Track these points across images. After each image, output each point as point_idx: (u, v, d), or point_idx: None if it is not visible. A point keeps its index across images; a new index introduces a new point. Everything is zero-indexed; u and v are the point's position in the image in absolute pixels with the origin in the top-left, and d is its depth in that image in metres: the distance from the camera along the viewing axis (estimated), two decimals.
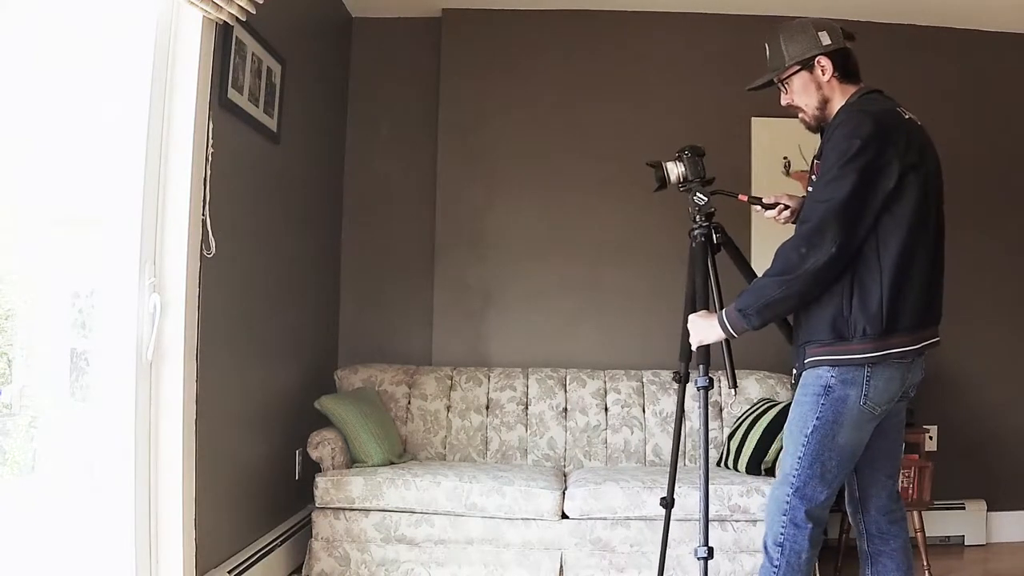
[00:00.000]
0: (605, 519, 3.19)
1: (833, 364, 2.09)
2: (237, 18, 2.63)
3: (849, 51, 2.25)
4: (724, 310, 2.19)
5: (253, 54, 2.98)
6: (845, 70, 2.22)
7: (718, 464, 3.63)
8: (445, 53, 4.22)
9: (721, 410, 3.78)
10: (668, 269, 3.86)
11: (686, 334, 2.34)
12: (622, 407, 3.78)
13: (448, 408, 3.80)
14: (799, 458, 2.13)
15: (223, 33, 2.72)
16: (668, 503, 2.52)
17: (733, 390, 2.35)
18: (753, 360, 3.68)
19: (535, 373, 3.89)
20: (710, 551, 2.23)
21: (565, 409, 3.79)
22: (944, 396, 4.09)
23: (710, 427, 3.73)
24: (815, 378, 2.13)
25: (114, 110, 2.45)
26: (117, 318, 2.44)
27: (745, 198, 2.44)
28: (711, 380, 2.30)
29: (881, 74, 4.14)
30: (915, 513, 3.56)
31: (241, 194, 2.98)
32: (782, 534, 2.15)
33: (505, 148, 4.17)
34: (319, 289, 4.02)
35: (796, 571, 2.13)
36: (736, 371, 3.84)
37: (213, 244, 2.66)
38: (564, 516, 3.22)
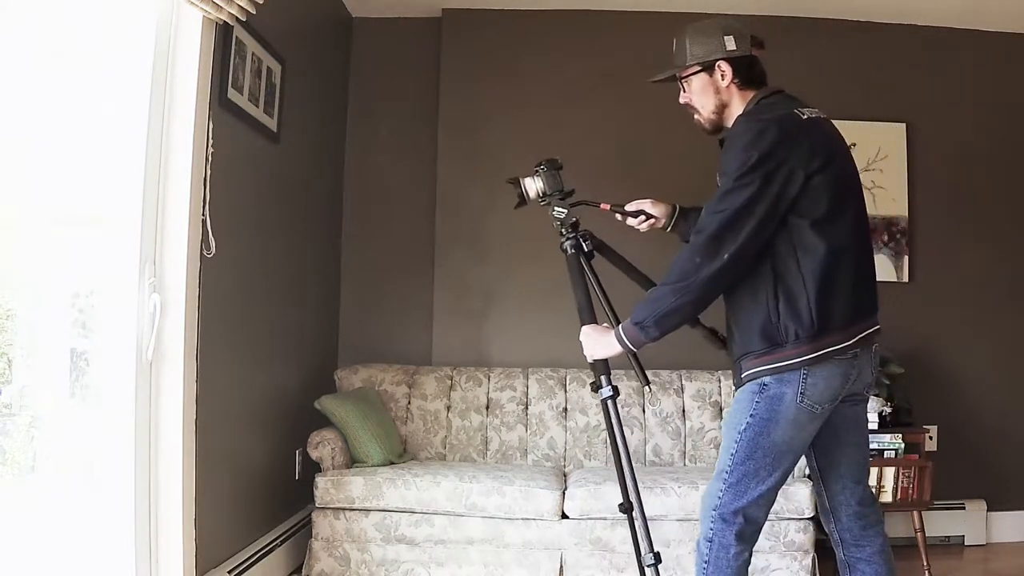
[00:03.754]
0: (605, 519, 3.19)
1: (771, 372, 2.06)
2: (237, 18, 2.63)
3: (755, 59, 2.21)
4: (620, 325, 2.16)
5: (253, 54, 2.97)
6: (747, 77, 2.19)
7: None
8: (445, 53, 4.22)
9: (721, 410, 3.78)
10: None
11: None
12: (622, 407, 3.77)
13: (448, 408, 3.80)
14: (732, 454, 2.11)
15: (223, 33, 2.72)
16: (626, 508, 2.33)
17: (648, 388, 2.33)
18: None
19: (535, 373, 3.88)
20: (657, 556, 2.18)
21: (565, 409, 3.79)
22: (944, 396, 4.09)
23: (710, 427, 3.74)
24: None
25: (114, 110, 2.45)
26: (117, 318, 2.44)
27: (607, 207, 2.44)
28: (616, 389, 2.25)
29: (884, 74, 4.16)
30: (915, 513, 3.56)
31: (241, 194, 2.98)
32: (711, 529, 2.13)
33: (505, 148, 4.16)
34: (319, 289, 4.02)
35: (725, 568, 2.10)
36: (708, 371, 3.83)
37: (213, 244, 2.66)
38: (564, 516, 3.22)
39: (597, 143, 4.15)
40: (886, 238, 4.15)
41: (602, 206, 2.43)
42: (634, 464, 3.66)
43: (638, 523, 2.20)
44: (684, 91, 2.27)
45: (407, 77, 4.30)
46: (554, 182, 2.39)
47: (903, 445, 3.56)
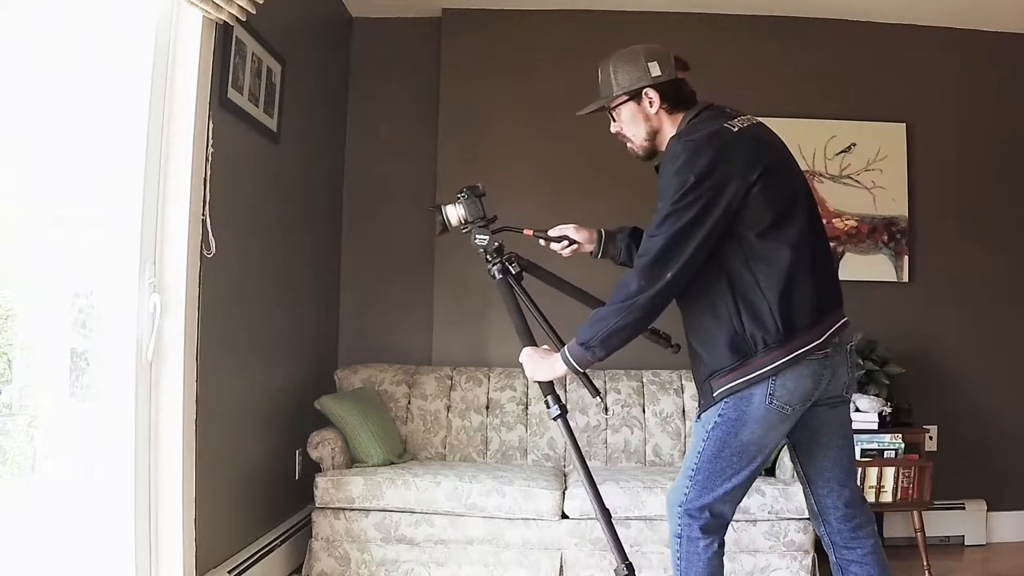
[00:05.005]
0: None
1: (746, 385, 2.04)
2: (237, 18, 2.63)
3: (682, 82, 2.21)
4: (566, 346, 2.17)
5: (253, 54, 2.98)
6: (676, 101, 2.19)
7: None
8: (445, 53, 4.22)
9: None
10: None
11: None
12: (622, 407, 3.78)
13: (448, 408, 3.80)
14: (699, 452, 2.13)
15: (223, 33, 2.72)
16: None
17: (600, 399, 2.37)
18: None
19: None
20: (629, 567, 2.18)
21: (565, 409, 3.78)
22: (944, 396, 4.09)
23: None
24: None
25: (114, 110, 2.45)
26: (117, 318, 2.44)
27: (531, 232, 2.45)
28: (563, 407, 2.27)
29: (884, 74, 4.17)
30: (915, 513, 3.56)
31: (241, 194, 2.98)
32: (679, 524, 2.15)
33: (505, 148, 4.17)
34: (319, 289, 4.02)
35: (697, 561, 2.13)
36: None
37: (213, 244, 2.66)
38: (564, 516, 3.22)
39: (598, 143, 4.14)
40: (886, 238, 4.15)
41: (525, 232, 2.45)
42: (634, 464, 3.70)
43: (606, 534, 2.22)
44: (614, 121, 2.28)
45: (407, 77, 4.30)
46: (475, 209, 2.39)
47: (903, 445, 3.55)
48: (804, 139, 4.15)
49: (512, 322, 2.33)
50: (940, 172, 4.19)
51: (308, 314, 3.85)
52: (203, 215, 2.62)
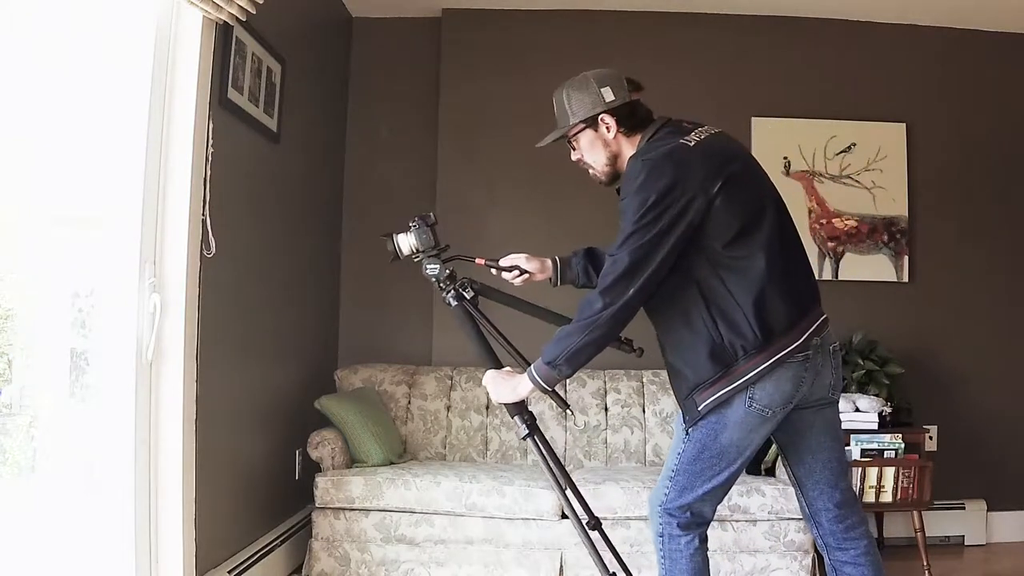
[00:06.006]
0: (605, 519, 3.16)
1: (735, 392, 2.04)
2: (237, 18, 2.63)
3: (636, 103, 2.21)
4: (532, 366, 2.18)
5: (253, 54, 2.98)
6: (632, 124, 2.20)
7: None
8: (445, 53, 4.22)
9: None
10: None
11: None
12: (622, 407, 3.78)
13: (448, 408, 3.80)
14: (679, 454, 2.14)
15: (223, 33, 2.73)
16: (594, 525, 2.34)
17: (570, 411, 2.38)
18: None
19: None
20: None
21: None
22: (944, 396, 4.09)
23: None
24: None
25: (114, 110, 2.45)
26: (117, 318, 2.44)
27: (482, 261, 2.46)
28: (529, 427, 2.27)
29: (884, 74, 4.17)
30: (915, 513, 3.56)
31: (241, 194, 2.98)
32: (660, 524, 2.18)
33: (505, 148, 4.16)
34: (319, 289, 4.02)
35: (680, 558, 2.16)
36: None
37: (213, 244, 2.66)
38: (564, 516, 3.22)
39: None
40: (886, 238, 4.16)
41: (477, 261, 2.45)
42: (634, 464, 3.70)
43: (587, 547, 2.24)
44: (574, 149, 2.28)
45: (407, 77, 4.30)
46: (426, 239, 2.38)
47: (903, 445, 3.55)
48: (804, 139, 4.15)
49: (472, 348, 2.33)
50: (940, 172, 4.19)
51: (308, 314, 3.85)
52: (203, 215, 2.62)
